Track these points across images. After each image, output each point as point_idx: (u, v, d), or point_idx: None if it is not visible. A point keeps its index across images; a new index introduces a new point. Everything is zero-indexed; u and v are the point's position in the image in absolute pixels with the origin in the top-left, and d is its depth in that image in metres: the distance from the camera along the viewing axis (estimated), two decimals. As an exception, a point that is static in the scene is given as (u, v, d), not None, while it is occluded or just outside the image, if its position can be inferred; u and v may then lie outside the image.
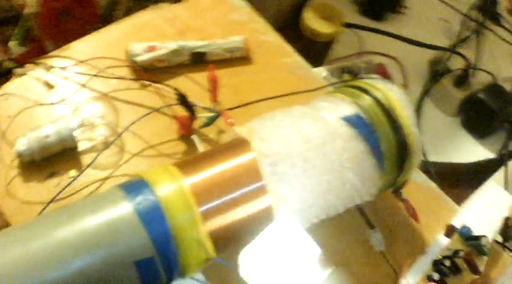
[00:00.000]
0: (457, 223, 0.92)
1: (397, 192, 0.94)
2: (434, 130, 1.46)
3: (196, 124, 0.94)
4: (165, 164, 0.76)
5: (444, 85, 1.49)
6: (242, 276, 0.72)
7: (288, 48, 1.13)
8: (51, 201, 0.82)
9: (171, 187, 0.71)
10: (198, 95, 0.95)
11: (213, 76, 0.92)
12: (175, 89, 0.91)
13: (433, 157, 1.38)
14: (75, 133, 0.87)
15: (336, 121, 0.80)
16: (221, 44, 1.04)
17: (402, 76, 1.50)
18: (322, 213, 0.80)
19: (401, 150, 0.82)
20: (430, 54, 1.57)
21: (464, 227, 0.91)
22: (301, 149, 0.76)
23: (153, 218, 0.68)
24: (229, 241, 0.75)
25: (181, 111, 0.93)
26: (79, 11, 1.13)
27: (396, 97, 0.84)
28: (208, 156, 0.80)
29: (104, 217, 0.67)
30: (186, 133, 0.93)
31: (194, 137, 0.93)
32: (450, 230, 0.91)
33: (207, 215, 0.71)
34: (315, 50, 1.43)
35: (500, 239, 1.01)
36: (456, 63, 1.52)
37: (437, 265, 0.87)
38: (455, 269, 0.87)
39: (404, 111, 0.83)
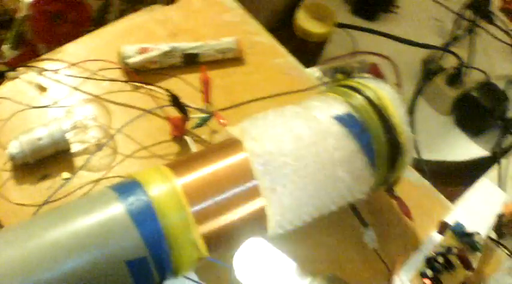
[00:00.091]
0: (451, 220, 0.93)
1: (390, 190, 0.94)
2: (427, 129, 1.46)
3: (189, 125, 0.94)
4: (157, 165, 0.76)
5: (437, 84, 1.50)
6: (238, 278, 0.72)
7: (281, 49, 1.13)
8: (44, 203, 0.83)
9: (163, 188, 0.71)
10: (190, 96, 0.95)
11: (205, 77, 0.93)
12: (168, 90, 0.91)
13: (426, 156, 1.38)
14: (68, 136, 0.87)
15: (328, 121, 0.80)
16: (213, 45, 1.05)
17: (395, 76, 1.51)
18: (315, 211, 0.80)
19: (393, 149, 0.82)
20: (422, 53, 1.57)
21: (457, 224, 0.91)
22: (293, 148, 0.76)
23: (145, 218, 0.68)
24: (222, 240, 0.75)
25: (173, 113, 0.93)
26: (71, 14, 1.14)
27: (388, 96, 0.84)
28: (201, 156, 0.80)
29: (96, 218, 0.68)
30: (178, 134, 0.94)
31: (187, 138, 0.93)
32: (443, 227, 0.92)
33: (200, 215, 0.72)
34: (307, 50, 1.44)
35: (494, 235, 1.02)
36: (449, 62, 1.53)
37: (430, 261, 0.87)
38: (449, 266, 0.87)
39: (396, 110, 0.83)
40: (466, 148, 1.47)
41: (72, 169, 0.88)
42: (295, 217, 0.78)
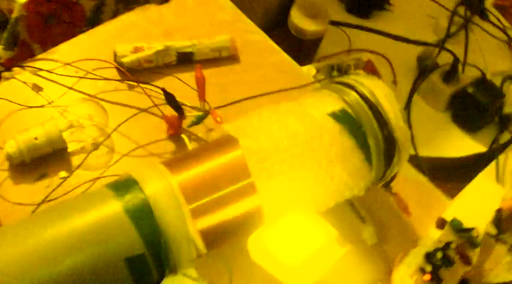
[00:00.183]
0: (449, 216, 0.93)
1: (387, 186, 0.95)
2: (424, 126, 1.46)
3: (185, 123, 0.94)
4: (153, 162, 0.76)
5: (433, 81, 1.50)
6: (254, 260, 0.71)
7: (275, 47, 1.13)
8: (42, 202, 0.83)
9: (159, 185, 0.71)
10: (186, 95, 0.96)
11: (200, 76, 0.93)
12: (163, 89, 0.91)
13: (424, 152, 1.39)
14: (64, 135, 0.88)
15: (323, 117, 0.80)
16: (208, 44, 1.05)
17: (391, 73, 1.51)
18: (312, 208, 0.80)
19: (388, 145, 0.82)
20: (417, 50, 1.58)
21: (454, 220, 0.92)
22: (289, 145, 0.76)
23: (142, 216, 0.68)
24: (219, 237, 0.75)
25: (169, 111, 0.93)
26: (66, 14, 1.14)
27: (382, 92, 0.84)
28: (197, 154, 0.80)
29: (94, 216, 0.68)
30: (174, 132, 0.94)
31: (183, 136, 0.93)
32: (441, 223, 0.92)
33: (197, 212, 0.72)
34: (302, 49, 1.44)
35: (493, 231, 1.02)
36: (444, 59, 1.53)
37: (429, 257, 0.87)
38: (448, 261, 0.87)
39: (390, 106, 0.83)
40: (462, 145, 1.47)
41: (69, 168, 0.88)
42: (292, 214, 0.78)
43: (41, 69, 0.96)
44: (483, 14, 1.71)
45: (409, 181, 1.01)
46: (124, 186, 0.71)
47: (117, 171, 0.88)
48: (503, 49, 1.67)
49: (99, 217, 0.68)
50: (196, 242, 0.71)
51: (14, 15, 1.03)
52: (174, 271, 0.72)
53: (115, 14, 1.15)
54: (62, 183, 0.85)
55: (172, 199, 0.71)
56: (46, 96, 0.94)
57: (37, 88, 0.94)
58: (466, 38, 1.57)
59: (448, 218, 0.92)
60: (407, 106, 1.49)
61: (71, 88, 0.96)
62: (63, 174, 0.87)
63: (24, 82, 0.94)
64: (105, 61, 0.99)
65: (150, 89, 0.96)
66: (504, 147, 1.43)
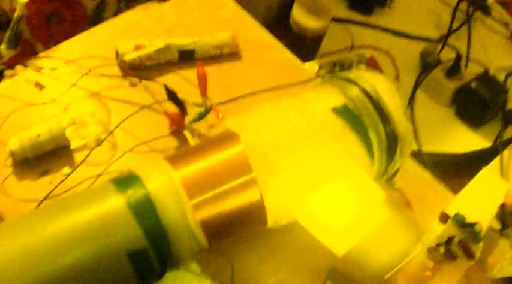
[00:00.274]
0: (452, 210, 0.92)
1: (389, 181, 0.94)
2: (427, 121, 1.46)
3: (187, 119, 0.94)
4: (155, 158, 0.77)
5: (436, 77, 1.50)
6: (301, 223, 0.72)
7: (277, 44, 1.14)
8: (45, 198, 0.83)
9: (161, 180, 0.72)
10: (188, 91, 0.96)
11: (202, 72, 0.93)
12: (165, 86, 0.92)
13: (427, 148, 1.38)
14: (67, 132, 0.88)
15: (324, 112, 0.80)
16: (209, 41, 1.05)
17: (393, 69, 1.51)
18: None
19: (390, 139, 0.82)
20: (420, 46, 1.57)
21: (457, 214, 0.91)
22: (290, 140, 0.77)
23: (144, 210, 0.69)
24: (221, 232, 0.76)
25: (172, 108, 0.93)
26: (68, 13, 1.14)
27: (384, 87, 0.84)
28: (198, 149, 0.80)
29: (96, 211, 0.68)
30: (177, 128, 0.94)
31: (185, 132, 0.93)
32: (444, 218, 0.92)
33: (198, 207, 0.72)
34: (304, 46, 1.44)
35: (497, 225, 1.02)
36: (447, 55, 1.53)
37: (432, 252, 0.87)
38: (451, 256, 0.87)
39: (392, 101, 0.83)
40: (466, 140, 1.47)
41: (72, 165, 0.88)
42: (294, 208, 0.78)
43: (43, 67, 0.97)
44: (486, 10, 1.70)
45: (411, 175, 1.01)
46: (126, 180, 0.72)
47: (120, 167, 0.88)
48: (506, 44, 1.67)
49: (102, 211, 0.68)
50: (198, 237, 0.71)
51: (16, 14, 1.03)
52: (177, 265, 0.73)
53: (116, 13, 1.15)
54: (64, 179, 0.85)
55: (174, 194, 0.71)
56: (48, 93, 0.95)
57: (39, 86, 0.94)
58: (468, 34, 1.57)
59: (451, 213, 0.91)
60: (411, 102, 1.48)
61: (73, 85, 0.96)
62: (66, 170, 0.87)
63: (27, 80, 0.95)
64: (107, 58, 0.99)
65: (152, 86, 0.96)
66: (508, 142, 1.43)
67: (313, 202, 0.74)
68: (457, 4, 1.60)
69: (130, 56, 0.99)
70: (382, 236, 0.70)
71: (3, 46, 1.01)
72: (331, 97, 0.83)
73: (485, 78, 1.48)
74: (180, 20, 1.11)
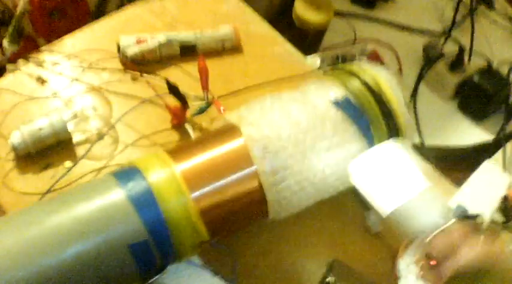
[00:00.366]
0: (454, 202, 0.92)
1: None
2: (430, 115, 1.46)
3: (189, 113, 0.94)
4: (156, 151, 0.77)
5: (439, 70, 1.49)
6: (354, 183, 0.73)
7: (279, 37, 1.13)
8: (47, 191, 0.84)
9: (162, 173, 0.72)
10: (189, 85, 0.96)
11: (203, 65, 0.93)
12: (166, 80, 0.92)
13: (430, 141, 1.38)
14: (69, 126, 0.88)
15: (325, 105, 0.81)
16: (211, 35, 1.05)
17: (396, 63, 1.50)
18: (316, 194, 0.80)
19: (391, 131, 0.83)
20: (423, 39, 1.57)
21: (459, 206, 0.91)
22: (291, 133, 0.77)
23: (145, 203, 0.69)
24: (222, 224, 0.76)
25: (173, 102, 0.94)
26: (70, 8, 1.14)
27: (385, 80, 0.84)
28: (199, 142, 0.81)
29: (97, 204, 0.69)
30: (178, 122, 0.94)
31: (187, 126, 0.93)
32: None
33: (199, 199, 0.72)
34: (307, 40, 1.44)
35: (500, 218, 1.02)
36: (450, 48, 1.52)
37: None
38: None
39: (393, 93, 0.83)
40: (469, 133, 1.47)
41: (74, 159, 0.89)
42: (296, 200, 0.79)
43: (45, 61, 0.97)
44: (489, 3, 1.69)
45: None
46: (127, 174, 0.72)
47: (122, 161, 0.89)
48: (510, 38, 1.66)
49: (103, 204, 0.69)
50: (198, 229, 0.72)
51: (19, 9, 1.03)
52: (178, 258, 0.73)
53: (119, 8, 1.15)
54: (66, 172, 0.86)
55: (175, 186, 0.71)
56: (50, 87, 0.95)
57: (42, 80, 0.94)
58: (472, 27, 1.56)
59: (453, 205, 0.92)
60: (413, 96, 1.48)
61: (75, 79, 0.96)
62: (68, 164, 0.88)
63: (29, 75, 0.95)
64: (109, 52, 1.00)
65: (153, 80, 0.96)
66: (511, 135, 1.43)
67: (367, 166, 0.74)
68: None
69: (132, 50, 0.99)
70: (422, 202, 0.70)
71: (6, 41, 1.01)
72: (332, 90, 0.83)
73: (488, 71, 1.48)
74: (182, 14, 1.11)
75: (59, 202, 0.70)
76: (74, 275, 0.65)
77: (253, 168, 0.75)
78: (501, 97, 1.46)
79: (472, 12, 1.61)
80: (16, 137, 0.85)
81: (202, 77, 0.93)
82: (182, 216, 0.70)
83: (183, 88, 0.92)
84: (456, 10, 1.57)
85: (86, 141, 0.90)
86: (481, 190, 1.01)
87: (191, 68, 1.00)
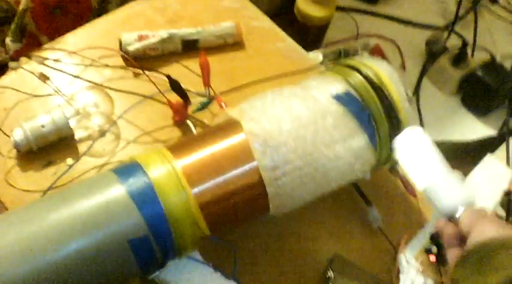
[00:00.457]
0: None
1: (393, 168, 0.95)
2: (433, 110, 1.46)
3: (190, 109, 0.95)
4: (157, 147, 0.77)
5: (442, 65, 1.49)
6: (398, 158, 0.74)
7: (281, 33, 1.14)
8: (49, 188, 0.84)
9: (163, 169, 0.72)
10: (191, 81, 0.97)
11: (204, 61, 0.94)
12: (168, 76, 0.92)
13: (433, 136, 1.38)
14: (71, 123, 0.89)
15: (327, 100, 0.81)
16: (212, 31, 1.05)
17: (399, 58, 1.51)
18: (317, 190, 0.81)
19: (393, 126, 0.83)
20: (426, 34, 1.57)
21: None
22: (292, 128, 0.77)
23: (146, 198, 0.69)
24: (222, 219, 0.76)
25: (175, 98, 0.94)
26: (72, 5, 1.14)
27: (387, 74, 0.84)
28: (200, 138, 0.81)
29: (97, 200, 0.69)
30: (180, 118, 0.95)
31: (188, 122, 0.94)
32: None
33: (200, 195, 0.73)
34: (309, 35, 1.44)
35: (502, 213, 1.02)
36: (453, 42, 1.52)
37: (435, 238, 0.87)
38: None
39: (394, 87, 0.83)
40: (472, 128, 1.47)
41: (76, 155, 0.89)
42: (297, 195, 0.79)
43: (47, 59, 0.97)
44: (492, -3, 1.69)
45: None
46: (128, 169, 0.72)
47: (124, 158, 0.89)
48: (513, 32, 1.66)
49: (103, 200, 0.69)
50: (199, 224, 0.72)
51: (21, 7, 1.03)
52: (178, 253, 0.73)
53: (121, 4, 1.16)
54: (68, 169, 0.86)
55: (176, 182, 0.72)
56: (53, 85, 0.95)
57: (44, 78, 0.94)
58: (475, 21, 1.56)
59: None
60: (416, 91, 1.48)
61: (77, 77, 0.97)
62: (69, 160, 0.88)
63: (31, 72, 0.95)
64: (111, 49, 1.00)
65: (155, 76, 0.96)
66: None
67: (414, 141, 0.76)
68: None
69: (134, 47, 0.99)
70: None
71: (8, 39, 1.02)
72: (334, 84, 0.83)
73: (491, 65, 1.48)
74: (184, 10, 1.11)
75: (60, 199, 0.70)
76: (75, 271, 0.66)
77: (254, 163, 0.75)
78: (504, 91, 1.45)
79: (475, 6, 1.61)
80: (18, 134, 0.85)
81: (203, 73, 0.94)
82: (182, 211, 0.71)
83: (184, 85, 0.93)
84: (459, 4, 1.56)
85: (87, 138, 0.91)
86: (483, 184, 1.01)
87: (193, 64, 1.00)
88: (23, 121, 0.87)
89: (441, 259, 0.86)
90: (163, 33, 1.01)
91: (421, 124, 1.40)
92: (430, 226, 0.89)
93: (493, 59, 1.49)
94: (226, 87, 0.99)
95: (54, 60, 0.97)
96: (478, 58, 1.51)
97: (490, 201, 1.02)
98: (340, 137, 0.79)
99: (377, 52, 1.44)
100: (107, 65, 0.99)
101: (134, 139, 0.92)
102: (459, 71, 1.48)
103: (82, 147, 0.90)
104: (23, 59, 0.97)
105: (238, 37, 1.08)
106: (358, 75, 0.84)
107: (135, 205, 0.68)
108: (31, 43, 1.10)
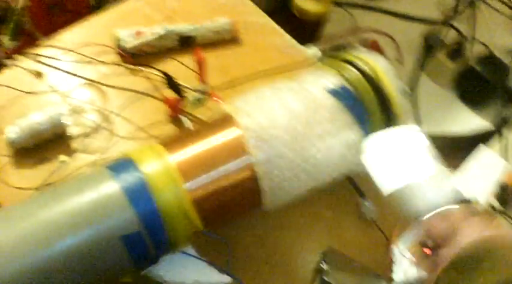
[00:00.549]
0: (450, 187, 0.93)
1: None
2: (430, 103, 1.46)
3: (186, 105, 0.95)
4: (150, 142, 0.78)
5: (439, 59, 1.50)
6: (364, 161, 0.74)
7: (277, 28, 1.14)
8: (42, 185, 0.84)
9: (156, 165, 0.73)
10: (187, 77, 0.97)
11: (200, 57, 0.94)
12: (162, 72, 0.93)
13: (430, 130, 1.38)
14: (65, 120, 0.89)
15: (321, 94, 0.81)
16: (208, 27, 1.06)
17: (396, 52, 1.50)
18: (310, 182, 0.81)
19: (388, 120, 0.83)
20: (423, 28, 1.57)
21: (454, 190, 0.91)
22: (287, 121, 0.77)
23: (139, 194, 0.70)
24: (216, 214, 0.77)
25: (170, 94, 0.94)
26: (70, 3, 1.15)
27: (382, 68, 0.85)
28: (194, 133, 0.81)
29: (90, 196, 0.69)
30: (175, 114, 0.95)
31: (183, 118, 0.94)
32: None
33: (194, 190, 0.73)
34: (306, 30, 1.44)
35: (496, 204, 1.02)
36: (450, 36, 1.52)
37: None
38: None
39: (390, 81, 0.84)
40: (469, 121, 1.47)
41: (70, 152, 0.89)
42: (290, 188, 0.79)
43: (43, 56, 0.97)
44: (490, -10, 1.69)
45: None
46: (121, 165, 0.73)
47: (117, 154, 0.89)
48: (510, 25, 1.65)
49: (96, 196, 0.69)
50: (192, 219, 0.72)
51: (19, 5, 1.04)
52: (172, 248, 0.74)
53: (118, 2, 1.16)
54: (61, 166, 0.87)
55: (169, 177, 0.72)
56: (48, 82, 0.95)
57: (39, 75, 0.95)
58: (472, 15, 1.56)
59: (449, 189, 0.92)
60: (414, 85, 1.48)
61: (72, 74, 0.97)
62: (63, 158, 0.88)
63: (27, 69, 0.96)
64: (106, 46, 1.00)
65: (150, 73, 0.97)
66: (510, 122, 1.43)
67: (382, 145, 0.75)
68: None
69: (130, 43, 0.99)
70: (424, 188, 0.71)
71: (6, 38, 1.02)
72: (329, 78, 0.83)
73: (489, 59, 1.48)
74: (180, 7, 1.12)
75: (53, 195, 0.71)
76: (68, 267, 0.66)
77: (247, 156, 0.75)
78: (501, 85, 1.46)
79: (472, 0, 1.60)
80: (13, 131, 0.86)
81: (199, 69, 0.94)
82: (176, 206, 0.71)
83: (181, 81, 0.93)
84: (456, -1, 1.57)
85: (82, 135, 0.91)
86: (476, 174, 1.02)
87: (190, 60, 1.00)
88: (17, 118, 0.87)
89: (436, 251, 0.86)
90: (160, 30, 1.01)
91: (418, 117, 1.40)
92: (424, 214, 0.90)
93: (490, 53, 1.49)
94: (221, 82, 0.99)
95: (50, 57, 0.97)
96: (475, 52, 1.51)
97: (484, 190, 1.02)
98: (333, 130, 0.79)
99: (374, 47, 1.44)
100: (103, 62, 0.99)
101: (129, 135, 0.93)
102: (456, 64, 1.48)
103: (76, 144, 0.91)
104: (19, 57, 0.97)
105: (235, 33, 1.08)
106: (353, 69, 0.84)
107: (129, 200, 0.69)
108: (28, 41, 1.11)
